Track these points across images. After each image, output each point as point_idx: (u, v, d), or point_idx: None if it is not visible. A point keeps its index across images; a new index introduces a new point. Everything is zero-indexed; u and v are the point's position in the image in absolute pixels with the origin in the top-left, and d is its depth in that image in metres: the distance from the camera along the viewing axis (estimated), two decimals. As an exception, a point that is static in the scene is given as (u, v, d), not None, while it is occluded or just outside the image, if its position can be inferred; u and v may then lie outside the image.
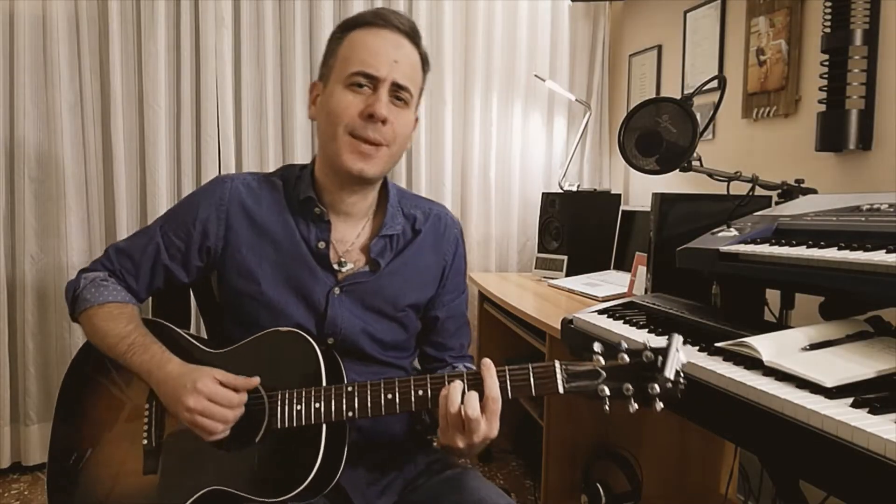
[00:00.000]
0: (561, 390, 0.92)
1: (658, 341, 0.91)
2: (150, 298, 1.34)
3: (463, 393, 0.92)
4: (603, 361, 0.91)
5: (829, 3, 1.65)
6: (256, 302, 1.11)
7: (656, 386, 0.88)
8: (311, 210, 1.12)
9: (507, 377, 0.94)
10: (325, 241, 1.12)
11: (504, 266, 2.86)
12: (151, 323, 1.15)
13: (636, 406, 0.89)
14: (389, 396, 0.97)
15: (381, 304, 1.14)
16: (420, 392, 0.97)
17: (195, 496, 1.03)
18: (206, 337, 1.21)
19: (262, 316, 1.10)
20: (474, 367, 1.23)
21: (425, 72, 1.14)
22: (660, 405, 0.88)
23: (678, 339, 0.89)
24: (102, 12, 2.33)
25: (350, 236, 1.15)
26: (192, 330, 1.30)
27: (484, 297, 2.49)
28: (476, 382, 0.93)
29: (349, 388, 0.99)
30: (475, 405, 0.91)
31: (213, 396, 0.98)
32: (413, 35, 1.09)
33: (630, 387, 0.89)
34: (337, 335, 1.12)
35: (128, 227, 2.37)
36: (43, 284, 2.36)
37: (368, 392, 0.98)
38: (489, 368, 0.93)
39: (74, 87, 2.34)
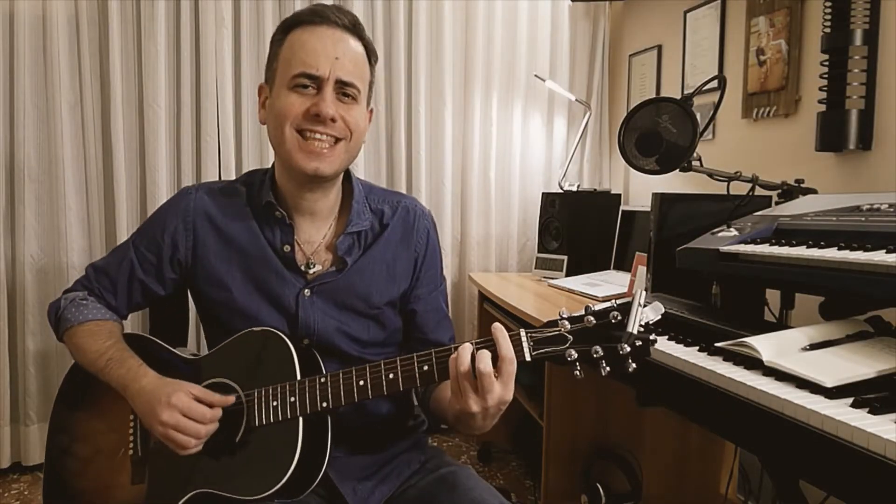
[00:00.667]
0: (528, 357, 0.91)
1: (649, 314, 0.90)
2: (148, 313, 1.36)
3: (473, 355, 0.91)
4: (569, 326, 0.90)
5: (829, 3, 1.65)
6: (229, 309, 1.12)
7: (626, 346, 0.87)
8: (272, 214, 1.12)
9: (473, 347, 0.93)
10: (289, 244, 1.12)
11: (504, 266, 2.86)
12: (134, 337, 1.17)
13: (608, 369, 0.88)
14: (361, 383, 0.98)
15: (353, 301, 1.13)
16: (391, 375, 0.97)
17: (181, 501, 1.04)
18: (205, 346, 1.22)
19: (236, 323, 1.11)
20: None
21: (372, 64, 1.12)
22: (632, 365, 0.87)
23: (641, 293, 0.88)
24: (102, 12, 2.34)
25: (316, 237, 1.15)
26: (191, 340, 1.31)
27: (484, 297, 2.49)
28: (486, 345, 0.92)
29: (321, 380, 1.00)
30: (487, 361, 0.89)
31: (187, 411, 0.99)
32: (353, 28, 1.07)
33: (599, 349, 0.88)
34: (311, 336, 1.12)
35: (128, 228, 2.38)
36: (43, 284, 2.36)
37: (341, 380, 0.99)
38: (502, 330, 0.92)
39: (74, 87, 2.34)
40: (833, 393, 0.82)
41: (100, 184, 2.40)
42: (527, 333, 0.92)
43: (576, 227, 2.50)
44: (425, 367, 0.96)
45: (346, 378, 0.99)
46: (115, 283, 1.17)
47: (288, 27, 1.07)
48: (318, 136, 1.03)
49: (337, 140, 1.05)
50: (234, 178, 1.36)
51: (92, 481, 1.13)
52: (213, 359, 1.11)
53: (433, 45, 2.68)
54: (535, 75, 2.73)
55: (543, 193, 2.67)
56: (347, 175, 1.18)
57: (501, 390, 0.91)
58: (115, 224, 2.39)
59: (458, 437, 2.79)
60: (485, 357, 0.90)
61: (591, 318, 0.89)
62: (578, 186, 2.63)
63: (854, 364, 0.90)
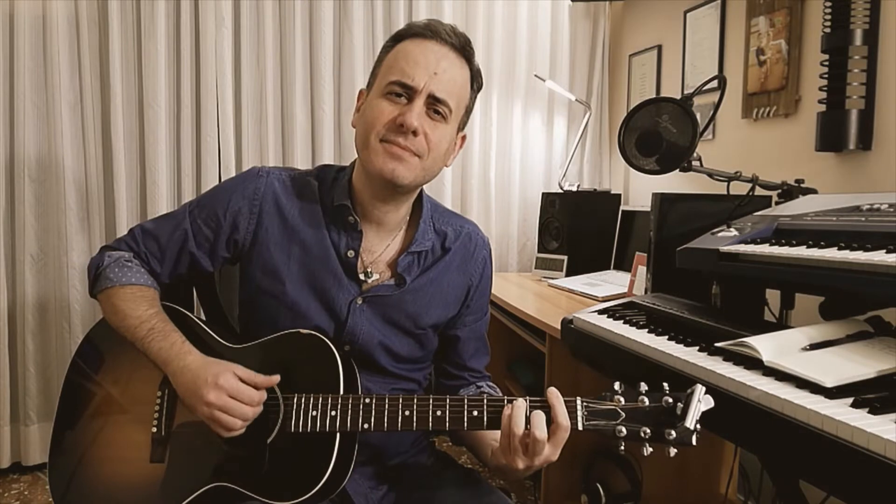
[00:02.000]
0: (580, 427, 0.92)
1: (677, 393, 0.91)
2: None
3: (527, 415, 0.92)
4: (623, 401, 0.92)
5: (829, 3, 1.64)
6: (278, 301, 1.10)
7: (674, 433, 0.88)
8: (344, 218, 1.10)
9: (527, 406, 0.93)
10: (354, 251, 1.10)
11: (504, 266, 2.86)
12: (171, 310, 1.13)
13: (650, 449, 0.90)
14: (406, 413, 0.97)
15: (402, 319, 1.13)
16: (438, 413, 0.96)
17: (201, 490, 1.02)
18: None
19: (281, 316, 1.09)
20: (495, 388, 1.23)
21: (475, 89, 1.11)
22: (673, 451, 0.89)
23: (700, 389, 0.89)
24: (102, 12, 2.33)
25: (379, 247, 1.13)
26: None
27: (484, 297, 2.49)
28: (539, 406, 0.93)
29: (367, 400, 0.98)
30: (543, 427, 0.90)
31: (235, 393, 0.96)
32: (463, 50, 1.06)
33: (648, 430, 0.90)
34: (354, 344, 1.11)
35: (128, 227, 2.36)
36: (43, 284, 2.36)
37: (386, 407, 0.97)
38: (558, 396, 0.92)
39: (74, 87, 2.34)
40: (833, 393, 0.82)
41: (100, 184, 2.40)
42: (583, 403, 0.93)
43: (576, 227, 2.50)
44: (475, 413, 0.95)
45: (392, 405, 0.97)
46: (164, 250, 1.13)
47: (399, 37, 1.07)
48: (400, 146, 1.02)
49: (415, 155, 1.04)
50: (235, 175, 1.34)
51: (107, 452, 1.10)
52: (255, 352, 1.08)
53: (433, 45, 2.67)
54: (535, 75, 2.73)
55: (543, 193, 2.67)
56: (420, 192, 1.18)
57: (550, 452, 0.92)
58: (115, 224, 2.39)
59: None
60: (540, 422, 0.91)
61: (645, 400, 0.91)
62: (578, 186, 2.63)
63: (854, 364, 0.90)
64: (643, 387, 0.92)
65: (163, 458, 1.06)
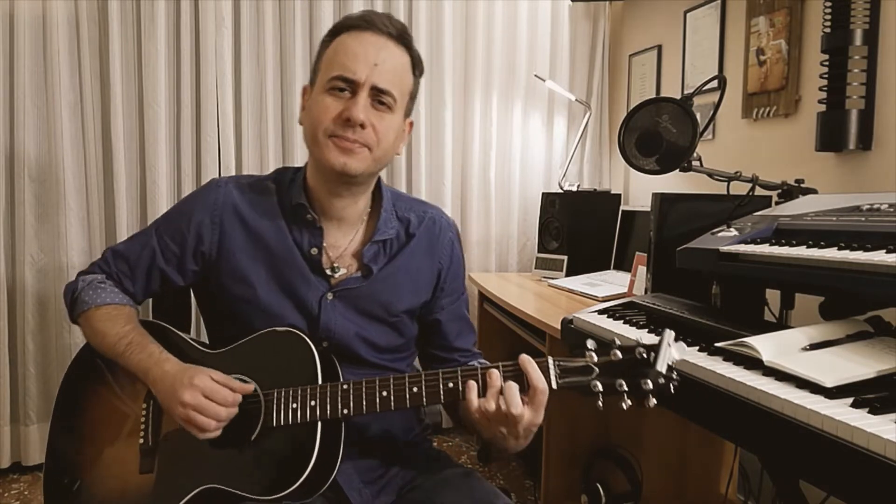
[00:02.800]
0: (554, 386, 0.93)
1: (651, 339, 0.92)
2: (151, 302, 1.34)
3: (501, 386, 0.93)
4: (596, 358, 0.92)
5: (829, 3, 1.64)
6: (251, 306, 1.11)
7: (649, 381, 0.89)
8: (303, 216, 1.12)
9: (500, 374, 0.94)
10: (317, 248, 1.12)
11: (504, 266, 2.86)
12: (150, 324, 1.16)
13: (629, 402, 0.91)
14: (384, 394, 0.98)
15: (374, 308, 1.14)
16: (415, 389, 0.97)
17: (191, 494, 1.03)
18: (206, 340, 1.21)
19: (257, 320, 1.10)
20: (487, 363, 1.23)
21: (416, 75, 1.12)
22: (653, 401, 0.89)
23: (670, 334, 0.90)
24: (102, 12, 2.33)
25: (343, 241, 1.15)
26: (193, 333, 1.31)
27: (484, 297, 2.49)
28: (514, 373, 0.94)
29: (344, 386, 1.00)
30: (516, 398, 0.91)
31: (209, 393, 0.98)
32: (401, 37, 1.07)
33: (623, 383, 0.90)
34: (331, 339, 1.12)
35: (128, 227, 2.38)
36: (43, 284, 2.36)
37: (364, 389, 0.99)
38: (530, 361, 0.93)
39: (74, 87, 2.34)
40: (833, 393, 0.82)
41: (100, 184, 2.40)
42: (555, 361, 0.94)
43: (576, 227, 2.50)
44: (450, 385, 0.96)
45: (370, 387, 0.99)
46: (134, 269, 1.16)
47: (336, 31, 1.08)
48: (347, 136, 1.03)
49: (364, 147, 1.05)
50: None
51: (97, 465, 1.12)
52: (234, 354, 1.10)
53: (433, 45, 2.68)
54: (535, 75, 2.73)
55: (543, 193, 2.67)
56: (377, 182, 1.19)
57: (531, 416, 0.92)
58: (115, 224, 2.39)
59: (459, 437, 2.79)
60: (515, 397, 0.91)
61: (618, 353, 0.91)
62: (578, 186, 2.63)
63: (854, 364, 0.89)
64: (616, 342, 0.93)
65: (152, 469, 1.08)
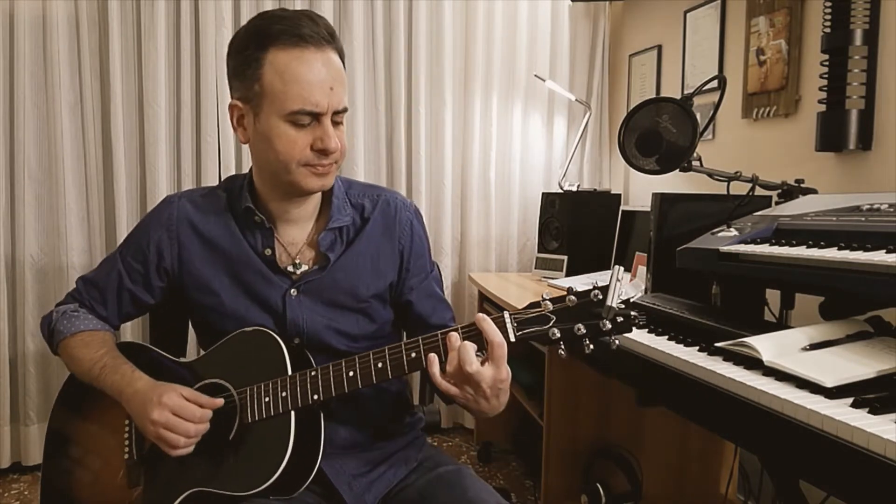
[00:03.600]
0: (512, 338, 0.93)
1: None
2: (148, 326, 1.38)
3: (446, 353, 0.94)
4: (552, 306, 0.92)
5: (829, 3, 1.64)
6: (219, 313, 1.13)
7: (608, 322, 0.89)
8: (252, 219, 1.13)
9: (460, 335, 0.94)
10: (270, 248, 1.12)
11: (504, 266, 2.86)
12: (127, 345, 1.18)
13: (592, 346, 0.91)
14: (351, 374, 0.99)
15: (340, 297, 1.14)
16: (380, 364, 0.98)
17: (177, 501, 1.05)
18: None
19: (227, 326, 1.12)
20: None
21: (345, 66, 1.08)
22: (616, 342, 0.90)
23: (619, 269, 0.90)
24: (102, 12, 2.34)
25: (299, 237, 1.15)
26: (191, 351, 1.32)
27: (484, 297, 2.49)
28: (471, 334, 0.94)
29: (312, 373, 1.02)
30: (471, 358, 0.91)
31: (178, 410, 1.00)
32: (333, 39, 1.03)
33: (581, 327, 0.90)
34: (301, 335, 1.12)
35: (128, 228, 2.37)
36: (43, 284, 2.36)
37: (331, 372, 1.00)
38: (485, 319, 0.94)
39: (74, 87, 2.34)
40: (833, 393, 0.82)
41: (100, 184, 2.41)
42: (510, 315, 0.94)
43: (576, 227, 2.50)
44: (413, 355, 0.97)
45: (336, 369, 1.00)
46: (104, 294, 1.19)
47: (264, 44, 1.00)
48: (323, 164, 1.04)
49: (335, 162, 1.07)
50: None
51: (89, 485, 1.14)
52: (207, 360, 1.13)
53: (433, 45, 2.68)
54: (535, 75, 2.73)
55: (543, 193, 2.67)
56: None
57: (494, 372, 0.93)
58: (115, 224, 2.40)
59: (458, 437, 2.79)
60: (469, 354, 0.91)
61: (573, 298, 0.91)
62: (578, 186, 2.63)
63: (854, 364, 0.90)
64: (573, 288, 0.92)
65: (139, 482, 1.10)
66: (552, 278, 2.44)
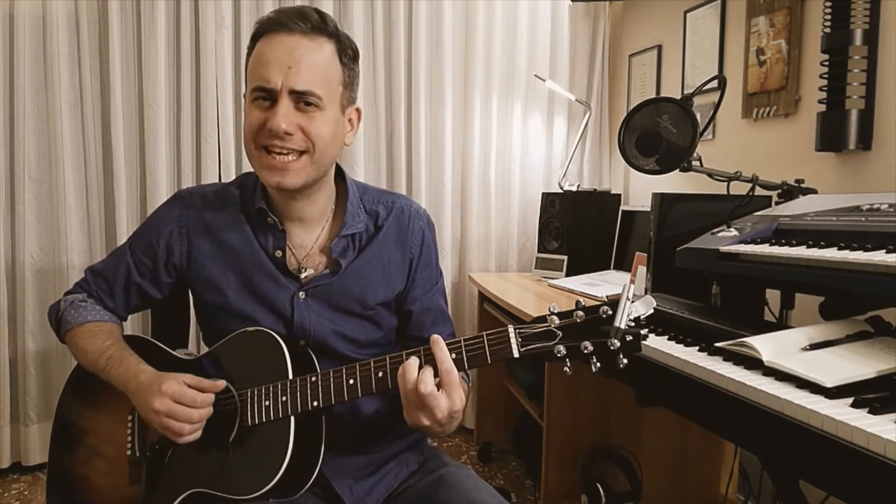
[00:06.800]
0: (516, 354, 0.90)
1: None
2: (150, 316, 1.38)
3: (420, 369, 0.92)
4: (558, 321, 0.90)
5: (829, 3, 1.64)
6: (225, 312, 1.13)
7: (616, 341, 0.86)
8: (264, 220, 1.12)
9: (463, 347, 0.93)
10: (281, 250, 1.12)
11: (504, 266, 2.86)
12: (133, 339, 1.18)
13: (598, 365, 0.88)
14: (351, 381, 0.98)
15: (348, 303, 1.13)
16: (380, 374, 0.97)
17: (177, 501, 1.05)
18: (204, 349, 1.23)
19: (232, 326, 1.11)
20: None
21: (347, 62, 1.07)
22: (623, 361, 0.87)
23: (630, 287, 0.87)
24: (102, 12, 2.34)
25: (308, 240, 1.14)
26: (192, 343, 1.32)
27: (484, 297, 2.49)
28: (430, 358, 0.93)
29: (313, 379, 1.01)
30: (429, 380, 0.90)
31: (178, 397, 1.00)
32: (319, 30, 1.03)
33: (588, 345, 0.88)
34: (307, 338, 1.12)
35: (128, 227, 2.38)
36: (43, 284, 2.36)
37: (331, 380, 1.00)
38: (437, 342, 0.92)
39: (74, 87, 2.34)
40: (833, 393, 0.82)
41: (100, 184, 2.41)
42: (515, 329, 0.91)
43: (576, 227, 2.50)
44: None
45: (337, 377, 0.99)
46: (112, 286, 1.19)
47: (255, 36, 1.05)
48: (277, 150, 1.01)
49: (301, 153, 1.03)
50: (234, 178, 1.36)
51: (92, 481, 1.14)
52: (209, 359, 1.12)
53: (433, 45, 2.68)
54: (535, 75, 2.73)
55: (543, 193, 2.67)
56: (342, 176, 1.18)
57: (448, 403, 0.91)
58: (115, 224, 2.39)
59: (459, 437, 2.79)
60: (427, 376, 0.90)
61: (581, 314, 0.88)
62: (578, 186, 2.63)
63: (854, 364, 0.89)
64: (580, 303, 0.89)
65: (140, 479, 1.10)
66: (552, 278, 2.44)
